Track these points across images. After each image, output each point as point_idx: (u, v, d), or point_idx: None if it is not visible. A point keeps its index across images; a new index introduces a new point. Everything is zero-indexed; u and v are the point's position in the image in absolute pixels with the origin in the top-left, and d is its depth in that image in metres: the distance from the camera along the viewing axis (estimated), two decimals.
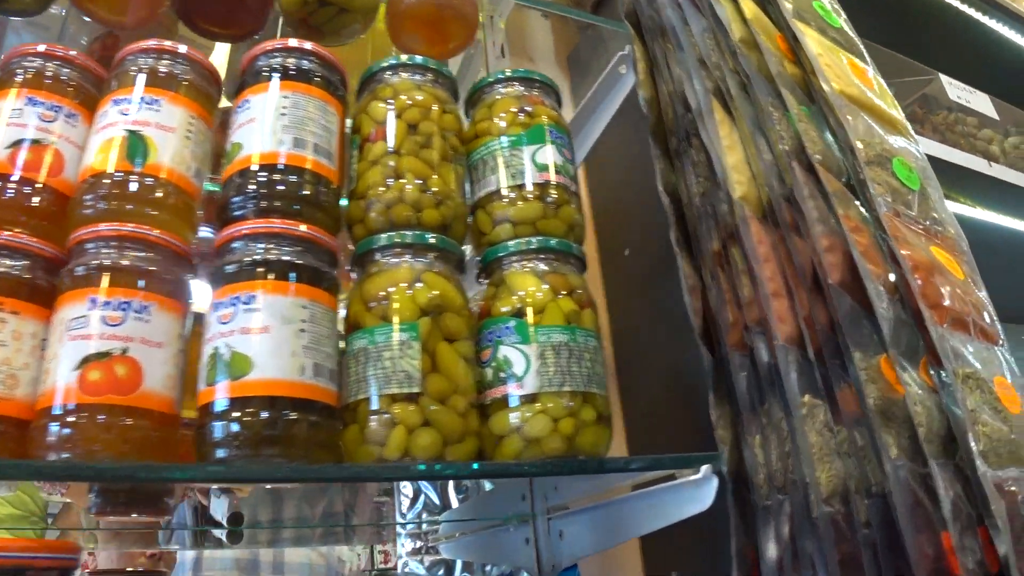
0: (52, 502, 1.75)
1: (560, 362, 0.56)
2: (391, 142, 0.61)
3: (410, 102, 0.64)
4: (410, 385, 0.53)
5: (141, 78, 0.60)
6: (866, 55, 0.73)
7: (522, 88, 0.68)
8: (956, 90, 1.05)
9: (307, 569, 1.60)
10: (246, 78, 0.62)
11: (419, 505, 1.11)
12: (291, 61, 0.62)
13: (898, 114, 0.71)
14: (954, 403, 0.50)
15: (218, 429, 0.50)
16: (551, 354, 0.56)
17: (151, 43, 0.62)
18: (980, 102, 1.09)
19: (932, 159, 0.93)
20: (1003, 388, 0.57)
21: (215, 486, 1.42)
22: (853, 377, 0.47)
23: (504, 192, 0.63)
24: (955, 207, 1.00)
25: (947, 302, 0.56)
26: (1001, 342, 0.63)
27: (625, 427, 0.95)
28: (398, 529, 1.14)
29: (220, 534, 1.52)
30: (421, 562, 1.10)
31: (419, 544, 1.12)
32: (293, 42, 0.64)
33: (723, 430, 0.53)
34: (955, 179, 0.96)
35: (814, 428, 0.48)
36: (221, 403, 0.50)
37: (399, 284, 0.56)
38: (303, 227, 0.56)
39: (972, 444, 0.49)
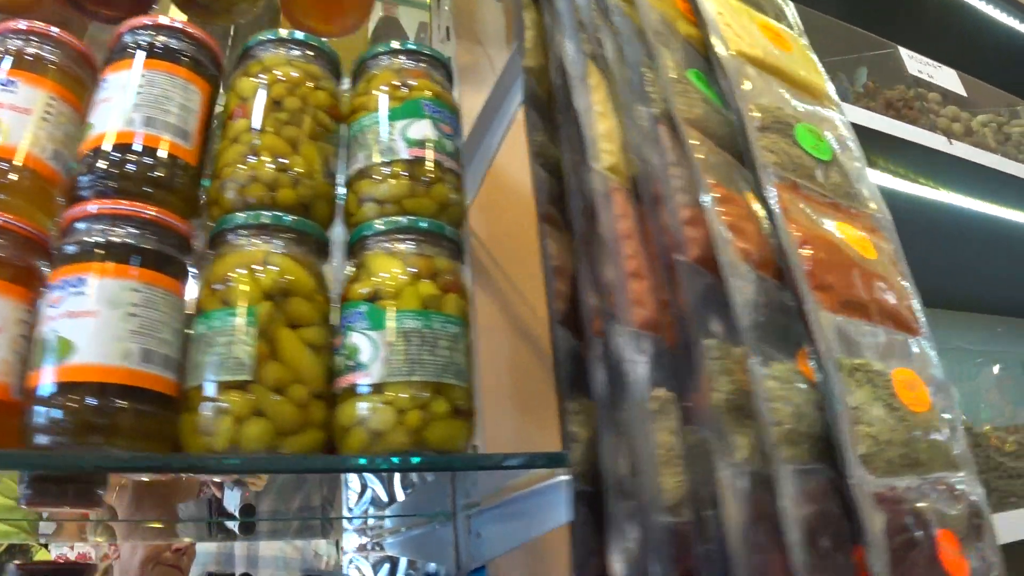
0: None
1: (410, 350, 0.52)
2: (252, 119, 0.59)
3: (281, 77, 0.61)
4: (242, 372, 0.50)
5: (4, 60, 0.59)
6: (788, 16, 0.67)
7: (406, 61, 0.64)
8: (917, 64, 0.96)
9: (281, 563, 1.60)
10: (111, 55, 0.61)
11: (366, 500, 1.09)
12: (157, 39, 0.60)
13: (819, 80, 0.65)
14: (833, 399, 0.44)
15: (39, 415, 0.48)
16: (400, 341, 0.52)
17: (19, 24, 0.61)
18: (945, 77, 1.00)
19: (884, 136, 0.85)
20: (907, 383, 0.50)
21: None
22: (705, 368, 0.41)
23: (371, 169, 0.59)
24: (912, 187, 0.91)
25: (843, 284, 0.50)
26: (923, 332, 0.56)
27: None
28: (345, 524, 1.12)
29: (233, 526, 1.53)
30: (367, 558, 1.08)
31: (364, 540, 1.09)
32: (164, 19, 0.62)
33: (578, 426, 0.48)
34: (912, 157, 0.87)
35: (665, 426, 0.43)
36: (44, 388, 0.48)
37: (243, 267, 0.53)
38: (150, 209, 0.54)
39: (848, 447, 0.42)
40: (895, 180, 0.90)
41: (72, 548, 2.03)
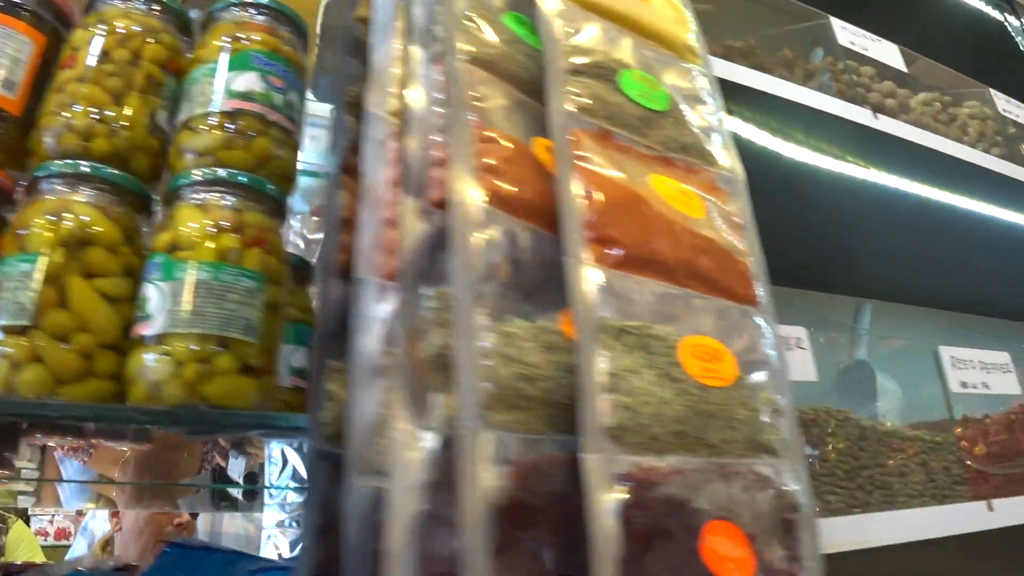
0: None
1: (195, 302, 0.50)
2: (77, 69, 0.58)
3: (120, 29, 0.60)
4: (22, 317, 0.49)
5: None
6: None
7: (248, 14, 0.63)
8: (850, 35, 0.88)
9: (243, 540, 1.61)
10: None
11: (287, 474, 1.08)
12: None
13: (681, 32, 0.60)
14: (580, 362, 0.39)
15: None
16: (186, 292, 0.51)
17: None
18: (884, 52, 0.91)
19: (798, 106, 0.78)
20: (704, 353, 0.44)
21: None
22: (419, 318, 0.38)
23: (192, 121, 0.58)
24: (838, 164, 0.84)
25: (637, 240, 0.45)
26: (759, 303, 0.51)
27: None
28: (266, 499, 1.12)
29: (237, 493, 1.55)
30: (284, 535, 1.08)
31: (284, 516, 1.09)
32: None
33: (337, 384, 0.45)
34: (834, 131, 0.80)
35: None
36: None
37: (44, 215, 0.53)
38: None
39: (587, 416, 0.37)
40: (815, 154, 0.83)
41: (52, 521, 2.12)
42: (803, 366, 0.66)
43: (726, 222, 0.52)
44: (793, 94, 0.76)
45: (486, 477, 0.33)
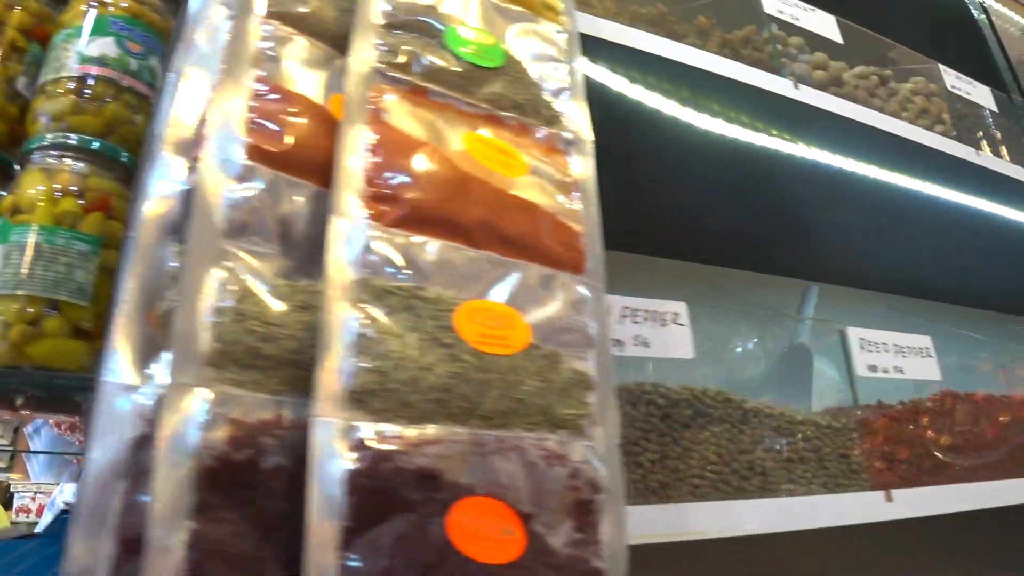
0: None
1: (22, 263, 0.51)
2: None
3: None
4: None
5: None
6: None
7: None
8: (777, 4, 0.83)
9: None
10: None
11: None
12: None
13: None
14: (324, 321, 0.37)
15: None
16: (16, 255, 0.51)
17: None
18: (818, 22, 0.86)
19: (712, 76, 0.74)
20: (487, 319, 0.41)
21: None
22: (163, 274, 0.37)
23: (46, 85, 0.58)
24: (760, 137, 0.80)
25: (429, 199, 0.43)
26: (585, 269, 0.48)
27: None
28: None
29: None
30: None
31: None
32: None
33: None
34: (753, 102, 0.76)
35: None
36: None
37: None
38: None
39: (323, 377, 0.36)
40: (734, 127, 0.78)
41: (34, 499, 2.18)
42: (681, 343, 0.63)
43: (556, 185, 0.49)
44: (701, 61, 0.72)
45: (188, 435, 0.32)
